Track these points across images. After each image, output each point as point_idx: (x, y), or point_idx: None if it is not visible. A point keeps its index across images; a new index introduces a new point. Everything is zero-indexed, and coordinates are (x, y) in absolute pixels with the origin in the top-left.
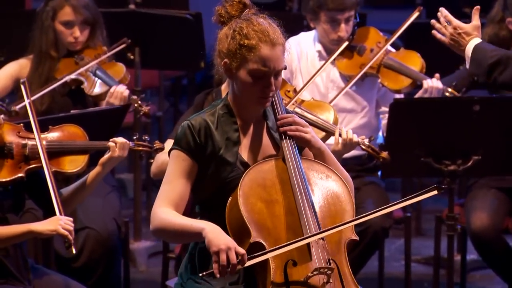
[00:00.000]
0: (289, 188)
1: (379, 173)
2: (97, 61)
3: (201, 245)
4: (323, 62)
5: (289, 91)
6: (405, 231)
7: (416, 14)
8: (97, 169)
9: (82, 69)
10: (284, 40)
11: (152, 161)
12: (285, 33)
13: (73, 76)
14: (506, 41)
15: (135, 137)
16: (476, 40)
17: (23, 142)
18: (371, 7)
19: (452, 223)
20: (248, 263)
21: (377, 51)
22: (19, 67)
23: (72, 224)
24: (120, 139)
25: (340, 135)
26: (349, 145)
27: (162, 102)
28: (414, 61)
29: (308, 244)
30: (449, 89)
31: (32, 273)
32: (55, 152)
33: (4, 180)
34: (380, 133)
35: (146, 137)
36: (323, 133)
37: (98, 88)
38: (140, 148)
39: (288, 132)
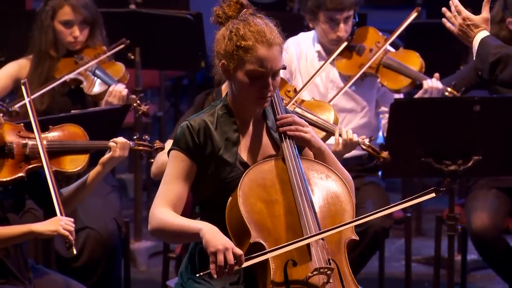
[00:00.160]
0: (289, 188)
1: (379, 173)
2: (96, 60)
3: (201, 245)
4: (322, 62)
5: (289, 91)
6: (405, 231)
7: (414, 15)
8: (97, 168)
9: (81, 69)
10: (282, 40)
11: (152, 160)
12: (282, 32)
13: (72, 75)
14: (506, 41)
15: (135, 137)
16: (484, 33)
17: (24, 141)
18: (371, 7)
19: (452, 223)
20: (245, 264)
21: (376, 51)
22: (18, 67)
23: (73, 225)
24: (121, 139)
25: (340, 135)
26: (349, 145)
27: (162, 102)
28: (414, 61)
29: (308, 244)
30: (449, 89)
31: (33, 273)
32: (56, 152)
33: (4, 179)
34: (380, 133)
35: (147, 137)
36: (324, 133)
37: (97, 88)
38: (141, 147)
39: (287, 132)
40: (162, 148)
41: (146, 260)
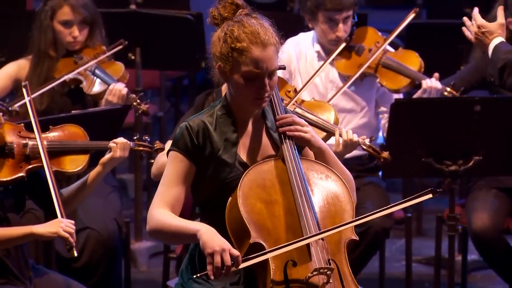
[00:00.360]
0: (289, 188)
1: (380, 173)
2: (96, 60)
3: None
4: (322, 62)
5: (289, 91)
6: (406, 231)
7: (412, 15)
8: (97, 168)
9: (81, 69)
10: (277, 40)
11: (152, 161)
12: (280, 31)
13: (72, 75)
14: (507, 42)
15: (135, 137)
16: (498, 40)
17: (24, 141)
18: (372, 7)
19: (453, 223)
20: (243, 265)
21: (375, 51)
22: (18, 67)
23: (74, 227)
24: (121, 140)
25: (340, 135)
26: (349, 145)
27: (163, 103)
28: (413, 61)
29: (308, 245)
30: (448, 89)
31: (33, 273)
32: (56, 152)
33: (5, 179)
34: (380, 133)
35: (147, 137)
36: (324, 133)
37: (97, 87)
38: (141, 148)
39: (287, 132)
40: (162, 149)
41: (146, 260)
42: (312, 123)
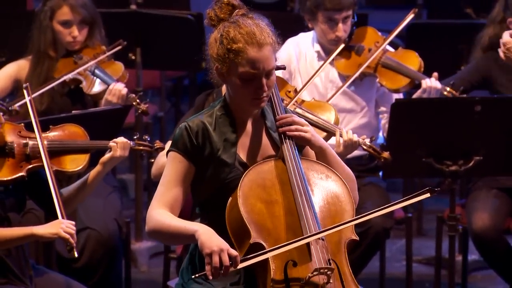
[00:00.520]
0: (289, 188)
1: (380, 173)
2: (95, 60)
3: None
4: (322, 62)
5: (290, 92)
6: (406, 231)
7: (411, 16)
8: (97, 168)
9: (80, 69)
10: (273, 39)
11: (153, 160)
12: (276, 30)
13: (71, 75)
14: None
15: (135, 137)
16: None
17: (24, 141)
18: (372, 7)
19: (453, 223)
20: (241, 265)
21: (375, 50)
22: (17, 67)
23: (74, 228)
24: (121, 139)
25: (340, 135)
26: (350, 146)
27: (163, 103)
28: (412, 61)
29: (308, 245)
30: (448, 88)
31: (34, 273)
32: (56, 151)
33: (5, 179)
34: (380, 133)
35: (147, 137)
36: (324, 134)
37: (97, 87)
38: (141, 147)
39: (287, 132)
40: (162, 148)
41: (146, 260)
42: (312, 123)
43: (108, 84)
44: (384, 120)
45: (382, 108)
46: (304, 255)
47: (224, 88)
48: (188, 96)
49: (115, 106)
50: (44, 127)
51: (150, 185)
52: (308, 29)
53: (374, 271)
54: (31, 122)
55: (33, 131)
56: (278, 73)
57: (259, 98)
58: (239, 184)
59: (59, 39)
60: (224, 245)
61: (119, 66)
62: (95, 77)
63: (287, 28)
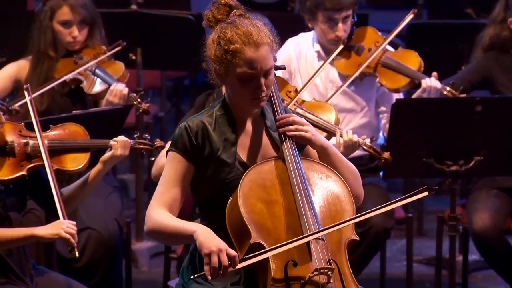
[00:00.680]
0: (289, 188)
1: (380, 173)
2: (96, 60)
3: None
4: (322, 62)
5: (290, 92)
6: (406, 231)
7: (410, 16)
8: (98, 166)
9: (81, 69)
10: (271, 39)
11: (153, 159)
12: (274, 29)
13: (72, 75)
14: (508, 42)
15: (136, 135)
16: None
17: (25, 140)
18: (373, 7)
19: (454, 223)
20: (240, 265)
21: (375, 50)
22: (17, 68)
23: (75, 228)
24: (122, 138)
25: (341, 136)
26: (350, 146)
27: (164, 103)
28: (412, 60)
29: (308, 245)
30: (448, 88)
31: (34, 273)
32: (57, 150)
33: (6, 178)
34: (381, 134)
35: (147, 135)
36: (325, 134)
37: (97, 87)
38: (141, 146)
39: (287, 132)
40: (163, 147)
41: (147, 260)
42: (313, 124)
43: (109, 83)
44: (384, 120)
45: (382, 108)
46: (305, 255)
47: (224, 88)
48: (188, 96)
49: (115, 106)
50: (45, 127)
51: (150, 185)
52: (309, 29)
53: (375, 271)
54: (31, 122)
55: (33, 130)
56: (278, 73)
57: (258, 98)
58: (239, 184)
59: (59, 39)
60: (223, 245)
61: (120, 65)
62: (95, 77)
63: (287, 28)
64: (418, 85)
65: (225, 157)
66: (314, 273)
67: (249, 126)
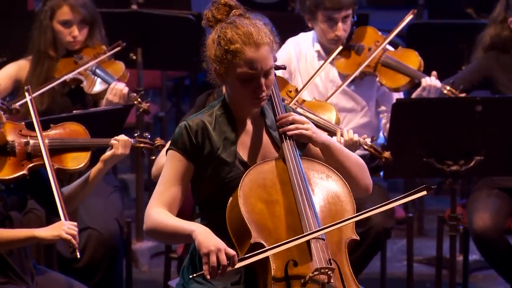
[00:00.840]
0: (290, 188)
1: (381, 173)
2: (96, 60)
3: None
4: (322, 62)
5: (290, 91)
6: (407, 231)
7: (410, 17)
8: (98, 165)
9: (81, 69)
10: (271, 39)
11: (153, 158)
12: (275, 29)
13: (72, 75)
14: (508, 42)
15: (136, 134)
16: None
17: (25, 140)
18: (373, 7)
19: (454, 223)
20: (239, 264)
21: (375, 50)
22: (18, 68)
23: (76, 229)
24: (122, 137)
25: (341, 135)
26: (351, 146)
27: (164, 103)
28: (412, 60)
29: (308, 244)
30: (447, 87)
31: (35, 272)
32: (57, 150)
33: (7, 177)
34: (381, 133)
35: (147, 134)
36: (325, 133)
37: (98, 87)
38: (142, 145)
39: (287, 132)
40: (163, 145)
41: (147, 260)
42: (313, 123)
43: (109, 83)
44: (385, 119)
45: (383, 108)
46: (305, 255)
47: (224, 88)
48: (189, 96)
49: (116, 106)
50: (45, 126)
51: (151, 185)
52: (309, 30)
53: (375, 271)
54: (32, 121)
55: (34, 129)
56: (279, 72)
57: (258, 98)
58: (240, 184)
59: (59, 39)
60: (222, 244)
61: (120, 65)
62: (96, 77)
63: (288, 28)
64: (418, 85)
65: (225, 156)
66: (315, 273)
67: (249, 125)
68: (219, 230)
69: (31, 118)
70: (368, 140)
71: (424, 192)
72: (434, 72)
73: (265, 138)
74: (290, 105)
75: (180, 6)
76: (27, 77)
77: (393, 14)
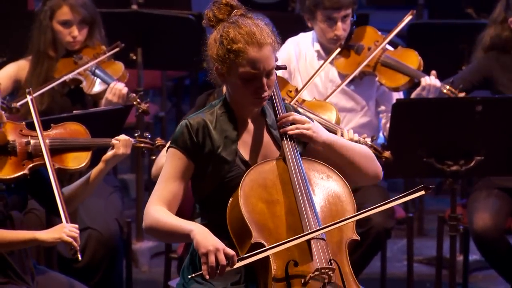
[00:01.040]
0: (290, 188)
1: None
2: (96, 61)
3: None
4: (321, 62)
5: (291, 91)
6: (407, 231)
7: (409, 17)
8: (100, 166)
9: (81, 69)
10: (273, 39)
11: (154, 158)
12: (276, 30)
13: (72, 75)
14: (508, 42)
15: (136, 134)
16: None
17: (26, 140)
18: (373, 7)
19: (454, 223)
20: (238, 264)
21: (374, 49)
22: (17, 68)
23: (77, 231)
24: (123, 137)
25: (342, 135)
26: None
27: (164, 103)
28: (412, 59)
29: (309, 244)
30: (447, 86)
31: (35, 272)
32: (58, 149)
33: (8, 177)
34: (381, 133)
35: (148, 134)
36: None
37: (97, 87)
38: (142, 144)
39: (288, 132)
40: (164, 145)
41: (148, 260)
42: None
43: (109, 84)
44: (384, 119)
45: (382, 107)
46: (306, 255)
47: (225, 88)
48: (189, 96)
49: (116, 106)
50: (46, 126)
51: (151, 185)
52: (309, 30)
53: (375, 271)
54: (32, 121)
55: (34, 129)
56: (279, 72)
57: (260, 97)
58: (240, 184)
59: (59, 39)
60: (220, 244)
61: (120, 66)
62: (95, 77)
63: (288, 28)
64: (418, 84)
65: (225, 155)
66: (315, 273)
67: (250, 125)
68: (219, 230)
69: (31, 118)
70: (368, 140)
71: (422, 192)
72: (433, 72)
73: (266, 137)
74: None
75: (180, 6)
76: (27, 77)
77: (393, 14)
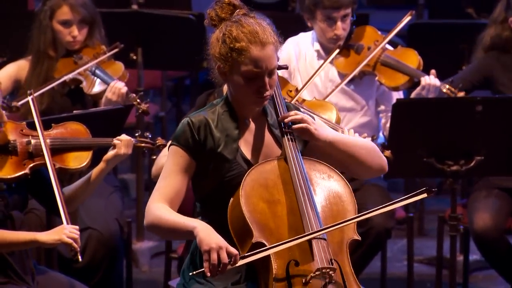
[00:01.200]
0: (291, 188)
1: None
2: (96, 61)
3: None
4: (321, 61)
5: (291, 91)
6: (407, 231)
7: (408, 18)
8: (100, 165)
9: (81, 69)
10: (275, 38)
11: (154, 157)
12: (277, 30)
13: (72, 75)
14: (509, 42)
15: (137, 134)
16: None
17: (27, 139)
18: (374, 7)
19: (454, 223)
20: (240, 263)
21: (374, 49)
22: (17, 68)
23: (78, 232)
24: (124, 137)
25: None
26: None
27: (164, 103)
28: (411, 59)
29: (310, 244)
30: (447, 86)
31: (36, 272)
32: (59, 149)
33: (8, 177)
34: (381, 133)
35: (148, 134)
36: None
37: (97, 87)
38: (143, 144)
39: (292, 126)
40: (164, 145)
41: (148, 260)
42: None
43: (109, 84)
44: (384, 119)
45: (382, 107)
46: (307, 255)
47: (225, 88)
48: (189, 96)
49: (116, 106)
50: (46, 126)
51: (151, 185)
52: (309, 30)
53: (376, 271)
54: (33, 121)
55: (35, 129)
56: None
57: (261, 96)
58: (241, 184)
59: (59, 38)
60: (223, 242)
61: (119, 66)
62: (95, 77)
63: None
64: (417, 84)
65: (226, 153)
66: (316, 273)
67: (251, 124)
68: (220, 230)
69: (31, 117)
70: (368, 140)
71: (425, 195)
72: (433, 71)
73: (268, 136)
74: None
75: (180, 6)
76: (27, 77)
77: (393, 14)
